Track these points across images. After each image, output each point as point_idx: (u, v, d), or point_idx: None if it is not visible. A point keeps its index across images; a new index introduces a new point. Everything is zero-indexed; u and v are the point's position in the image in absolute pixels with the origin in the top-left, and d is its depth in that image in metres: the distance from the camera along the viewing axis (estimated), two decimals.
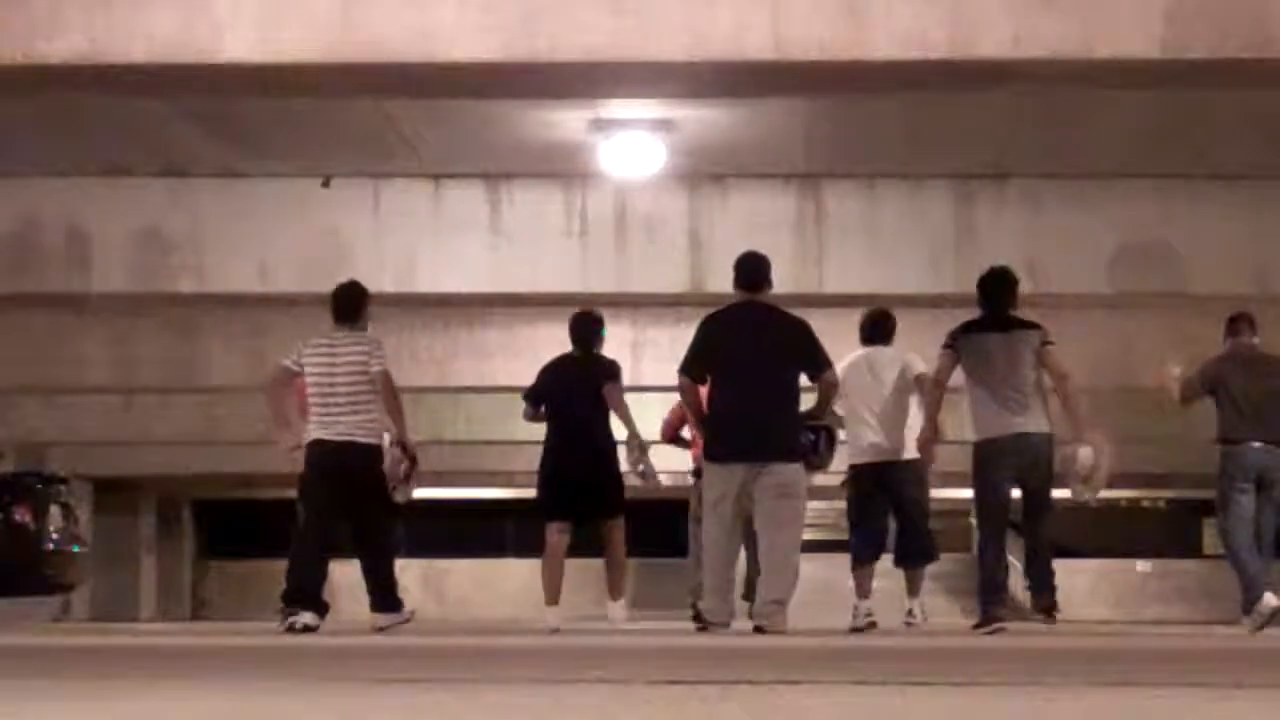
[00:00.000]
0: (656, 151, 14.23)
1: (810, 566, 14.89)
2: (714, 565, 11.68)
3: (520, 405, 13.62)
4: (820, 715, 4.13)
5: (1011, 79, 10.18)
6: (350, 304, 12.45)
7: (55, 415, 24.66)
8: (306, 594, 12.29)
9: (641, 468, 13.01)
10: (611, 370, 13.26)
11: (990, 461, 12.36)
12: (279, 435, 12.47)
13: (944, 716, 4.11)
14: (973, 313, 12.54)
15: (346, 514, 12.45)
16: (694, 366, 11.76)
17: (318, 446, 12.22)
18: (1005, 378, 12.22)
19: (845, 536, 14.40)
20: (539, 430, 13.48)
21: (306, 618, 12.13)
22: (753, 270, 11.69)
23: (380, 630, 12.31)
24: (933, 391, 12.66)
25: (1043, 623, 12.49)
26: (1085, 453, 12.40)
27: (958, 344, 12.40)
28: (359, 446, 12.23)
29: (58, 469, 22.67)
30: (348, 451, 12.20)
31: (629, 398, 13.35)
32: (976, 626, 12.48)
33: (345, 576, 15.80)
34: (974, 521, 13.24)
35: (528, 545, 38.18)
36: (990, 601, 12.32)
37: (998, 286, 12.45)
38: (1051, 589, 12.42)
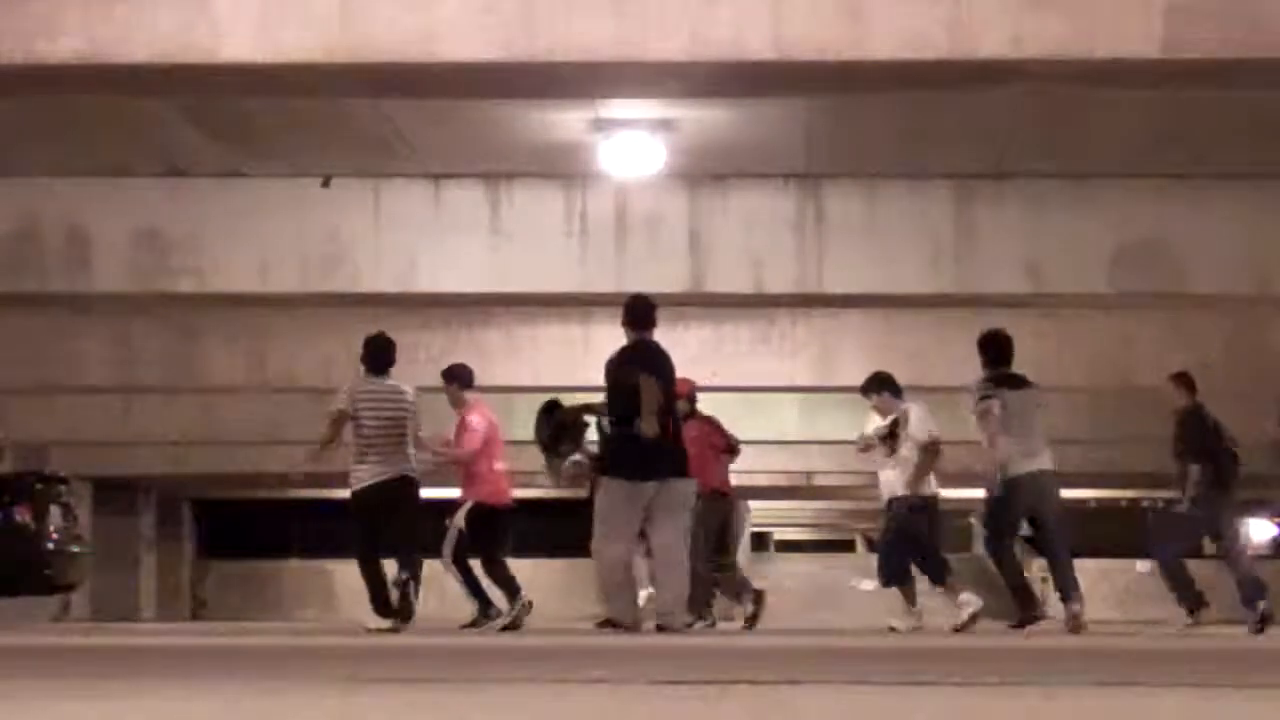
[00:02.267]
0: (656, 151, 14.22)
1: (811, 566, 15.00)
2: (619, 575, 12.71)
3: (518, 404, 13.80)
4: (820, 715, 4.13)
5: (1011, 79, 10.18)
6: (392, 354, 13.90)
7: (55, 415, 24.63)
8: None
9: None
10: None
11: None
12: (316, 460, 14.04)
13: (944, 716, 4.11)
14: (972, 313, 12.71)
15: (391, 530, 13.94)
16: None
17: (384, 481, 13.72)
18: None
19: (845, 537, 14.78)
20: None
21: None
22: (648, 312, 12.79)
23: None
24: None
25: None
26: None
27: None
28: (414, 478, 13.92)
29: (58, 469, 22.66)
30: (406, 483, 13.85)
31: None
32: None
33: (345, 577, 15.80)
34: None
35: (528, 545, 38.22)
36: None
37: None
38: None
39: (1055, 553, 13.86)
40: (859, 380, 15.09)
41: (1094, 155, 14.63)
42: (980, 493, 14.23)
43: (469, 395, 15.02)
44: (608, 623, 13.04)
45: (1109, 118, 13.57)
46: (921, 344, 14.81)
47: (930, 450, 14.32)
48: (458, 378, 15.04)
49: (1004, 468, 13.53)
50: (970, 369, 14.13)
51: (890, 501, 14.60)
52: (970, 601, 14.14)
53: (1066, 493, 15.09)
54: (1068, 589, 13.54)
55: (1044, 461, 13.76)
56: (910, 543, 14.55)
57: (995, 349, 13.81)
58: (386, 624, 13.42)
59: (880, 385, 14.75)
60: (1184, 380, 14.71)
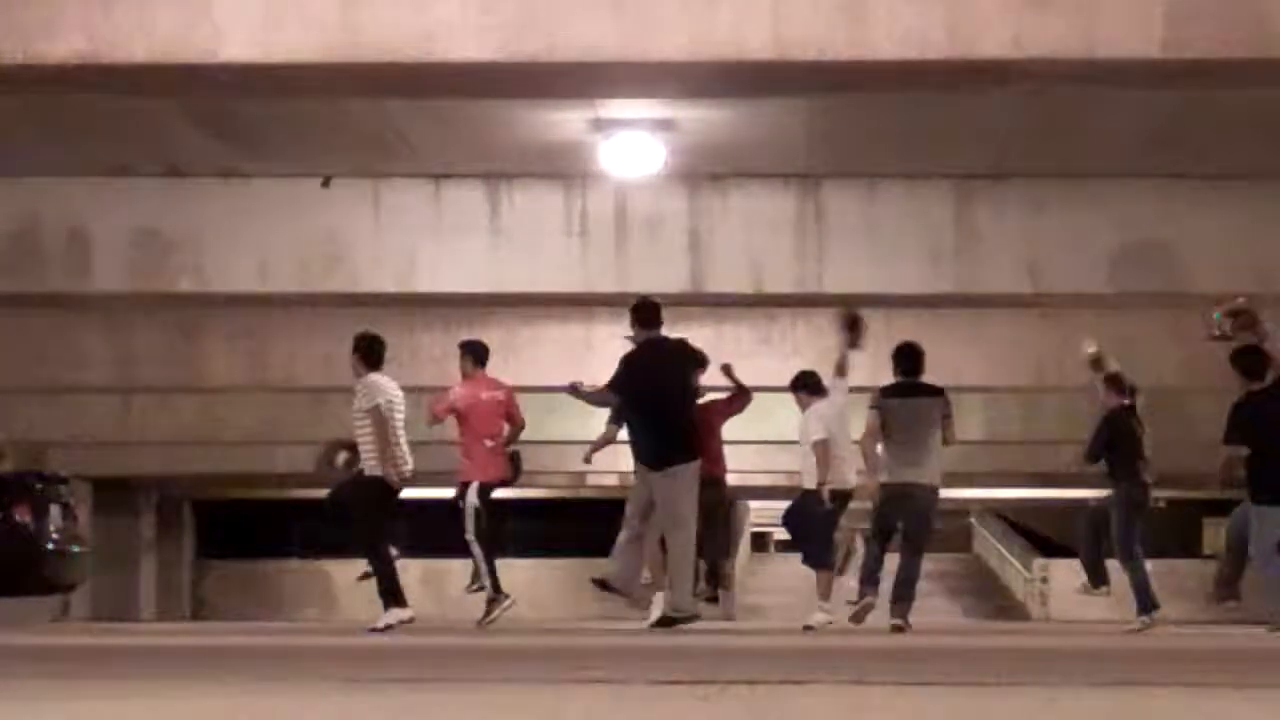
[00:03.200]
0: (656, 151, 14.22)
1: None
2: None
3: (522, 404, 13.79)
4: (820, 715, 4.13)
5: (1011, 79, 10.18)
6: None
7: (55, 415, 24.63)
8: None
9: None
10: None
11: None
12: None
13: (944, 716, 4.11)
14: (972, 313, 12.75)
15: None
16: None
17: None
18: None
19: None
20: (537, 430, 13.64)
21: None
22: (657, 311, 13.42)
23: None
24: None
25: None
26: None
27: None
28: None
29: (58, 469, 22.66)
30: None
31: None
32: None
33: (344, 578, 15.81)
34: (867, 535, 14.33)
35: (528, 545, 38.25)
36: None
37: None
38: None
39: (906, 558, 14.10)
40: (859, 380, 15.10)
41: (1094, 155, 14.64)
42: (978, 493, 14.34)
43: (479, 373, 14.83)
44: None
45: (1109, 118, 13.57)
46: (922, 343, 14.73)
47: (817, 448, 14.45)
48: (471, 352, 14.88)
49: (882, 475, 13.71)
50: (970, 369, 14.15)
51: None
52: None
53: (1068, 492, 15.09)
54: (902, 593, 13.98)
55: (924, 475, 13.69)
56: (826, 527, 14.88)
57: (905, 359, 13.91)
58: (407, 613, 13.42)
59: (799, 384, 14.84)
60: (1115, 381, 15.08)
